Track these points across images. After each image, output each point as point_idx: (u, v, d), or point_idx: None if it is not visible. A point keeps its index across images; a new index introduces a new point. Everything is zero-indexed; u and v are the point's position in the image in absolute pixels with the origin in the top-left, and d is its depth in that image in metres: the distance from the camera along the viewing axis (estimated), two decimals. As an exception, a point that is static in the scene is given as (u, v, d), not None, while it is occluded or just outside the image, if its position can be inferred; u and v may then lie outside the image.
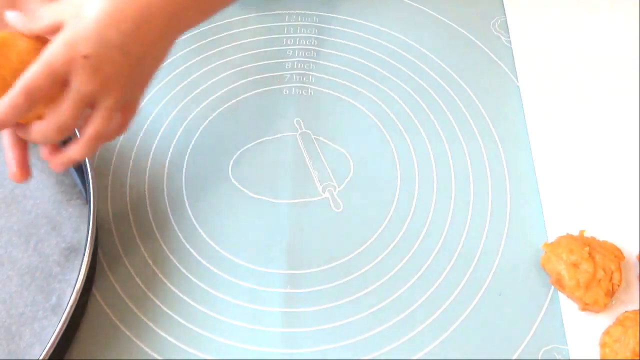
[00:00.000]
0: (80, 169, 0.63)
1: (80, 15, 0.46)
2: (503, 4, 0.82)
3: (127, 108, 0.53)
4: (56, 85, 0.46)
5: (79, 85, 0.47)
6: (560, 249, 0.60)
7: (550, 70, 0.75)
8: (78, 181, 0.65)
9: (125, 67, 0.48)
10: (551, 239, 0.63)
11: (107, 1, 0.46)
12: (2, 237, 0.62)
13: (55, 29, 0.47)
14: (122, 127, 0.54)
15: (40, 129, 0.48)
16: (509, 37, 0.79)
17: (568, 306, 0.60)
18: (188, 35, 0.77)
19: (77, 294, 0.53)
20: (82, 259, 0.55)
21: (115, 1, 0.46)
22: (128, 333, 0.59)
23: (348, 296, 0.61)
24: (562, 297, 0.61)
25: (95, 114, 0.49)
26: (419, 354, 0.58)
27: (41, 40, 0.49)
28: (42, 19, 0.47)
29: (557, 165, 0.68)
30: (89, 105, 0.49)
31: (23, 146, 0.52)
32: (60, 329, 0.52)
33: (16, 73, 0.46)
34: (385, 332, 0.60)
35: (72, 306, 0.53)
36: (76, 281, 0.54)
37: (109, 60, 0.47)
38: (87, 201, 0.62)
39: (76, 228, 0.63)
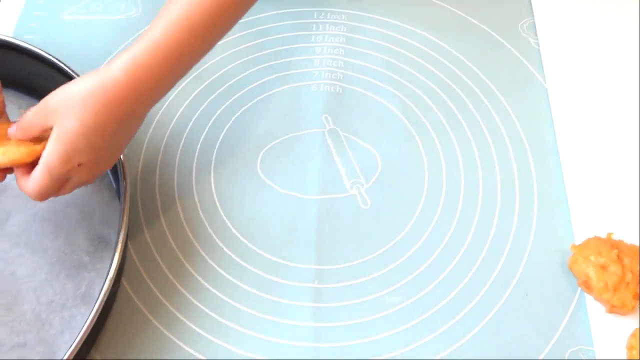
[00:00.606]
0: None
1: (66, 126, 0.52)
2: (531, 6, 0.82)
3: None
4: (62, 182, 0.55)
5: (77, 179, 0.56)
6: (589, 250, 0.60)
7: (578, 72, 0.76)
8: (107, 172, 0.66)
9: (113, 153, 0.57)
10: (578, 241, 0.64)
11: (91, 117, 0.52)
12: (32, 226, 0.63)
13: (45, 132, 0.54)
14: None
15: (33, 192, 0.55)
16: (537, 39, 0.79)
17: (595, 308, 0.60)
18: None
19: (110, 282, 0.54)
20: (115, 250, 0.55)
21: (99, 114, 0.52)
22: (156, 323, 0.59)
23: (375, 293, 0.62)
24: (589, 298, 0.61)
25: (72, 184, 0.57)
26: (445, 353, 0.59)
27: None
28: (34, 128, 0.54)
29: (584, 167, 0.68)
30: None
31: None
32: (94, 317, 0.52)
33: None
34: (412, 329, 0.60)
35: (105, 294, 0.53)
36: (109, 270, 0.55)
37: (99, 159, 0.55)
38: (119, 194, 0.63)
39: (105, 219, 0.64)
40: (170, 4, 0.55)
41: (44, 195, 0.55)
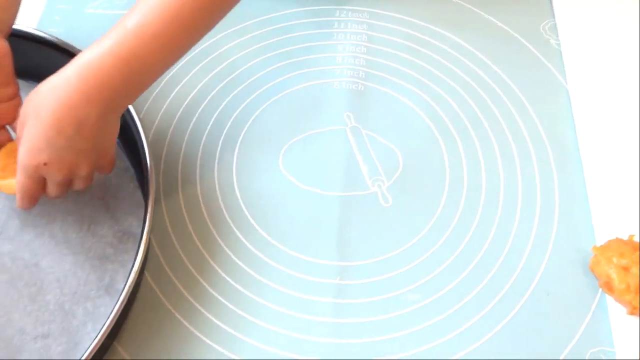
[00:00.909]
0: (134, 155, 0.64)
1: (30, 124, 0.54)
2: (553, 7, 0.82)
3: (100, 167, 0.60)
4: (40, 182, 0.57)
5: (52, 178, 0.57)
6: (611, 252, 0.60)
7: (600, 73, 0.76)
8: (130, 165, 0.66)
9: (81, 154, 0.56)
10: (599, 242, 0.64)
11: (47, 115, 0.53)
12: (57, 217, 0.63)
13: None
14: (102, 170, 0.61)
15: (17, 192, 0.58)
16: (558, 40, 0.79)
17: (616, 309, 0.61)
18: (241, 26, 0.79)
19: (135, 275, 0.54)
20: (140, 241, 0.56)
21: (56, 113, 0.53)
22: (178, 316, 0.60)
23: (396, 290, 0.62)
24: (610, 300, 0.61)
25: (75, 182, 0.59)
26: (465, 352, 0.59)
27: None
28: (20, 127, 0.56)
29: (606, 168, 0.68)
30: (67, 182, 0.58)
31: None
32: (119, 308, 0.52)
33: None
34: (433, 327, 0.60)
35: (130, 286, 0.53)
36: (134, 262, 0.55)
37: (64, 158, 0.55)
38: (142, 187, 0.64)
39: (129, 211, 0.64)
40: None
41: (25, 194, 0.57)
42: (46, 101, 0.53)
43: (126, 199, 0.65)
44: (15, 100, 0.60)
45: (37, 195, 0.58)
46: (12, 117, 0.60)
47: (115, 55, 0.53)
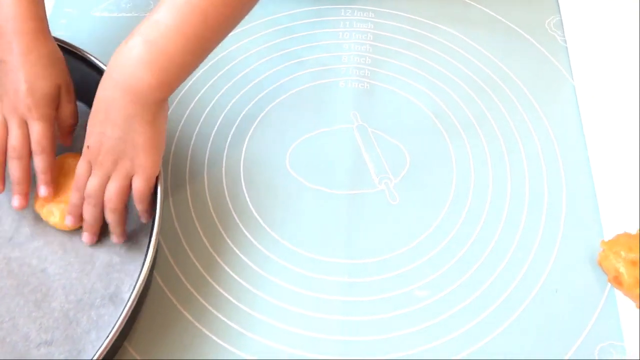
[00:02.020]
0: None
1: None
2: (558, 3, 0.82)
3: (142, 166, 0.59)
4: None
5: (104, 169, 0.58)
6: (619, 246, 0.60)
7: (606, 69, 0.76)
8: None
9: (130, 149, 0.57)
10: (607, 237, 0.64)
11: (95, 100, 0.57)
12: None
13: None
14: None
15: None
16: (564, 36, 0.79)
17: (625, 303, 0.60)
18: (248, 26, 0.79)
19: (143, 281, 0.54)
20: (150, 240, 0.56)
21: (99, 98, 0.57)
22: (189, 316, 0.60)
23: (404, 287, 0.62)
24: (619, 294, 0.61)
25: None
26: (474, 348, 0.59)
27: None
28: None
29: (612, 163, 0.68)
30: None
31: None
32: (126, 315, 0.52)
33: None
34: (441, 324, 0.60)
35: (137, 293, 0.53)
36: (142, 269, 0.55)
37: (111, 147, 0.57)
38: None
39: (137, 219, 0.64)
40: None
41: (95, 183, 0.58)
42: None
43: (134, 206, 0.64)
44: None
45: (101, 184, 0.59)
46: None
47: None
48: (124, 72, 0.55)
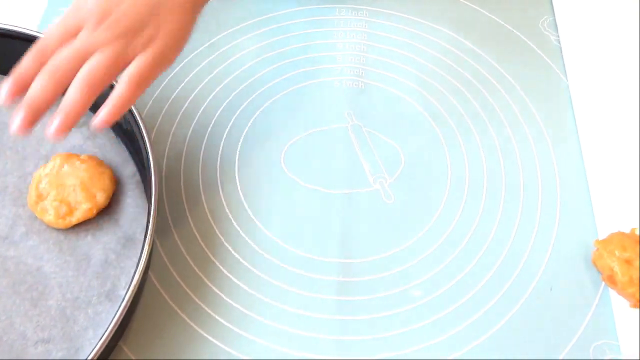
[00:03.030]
0: (139, 158, 0.64)
1: None
2: (552, 3, 0.82)
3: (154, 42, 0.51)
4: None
5: (94, 37, 0.48)
6: (613, 245, 0.60)
7: (600, 68, 0.76)
8: (137, 170, 0.66)
9: (137, 25, 0.49)
10: (601, 236, 0.64)
11: None
12: (62, 223, 0.63)
13: None
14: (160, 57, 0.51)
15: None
16: (558, 36, 0.79)
17: (619, 302, 0.61)
18: (241, 26, 0.79)
19: (139, 277, 0.54)
20: (144, 241, 0.56)
21: None
22: (184, 316, 0.60)
23: (398, 287, 0.62)
24: (613, 293, 0.61)
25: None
26: (470, 347, 0.59)
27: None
28: None
29: (606, 162, 0.69)
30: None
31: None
32: (121, 313, 0.52)
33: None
34: (436, 323, 0.60)
35: (132, 292, 0.53)
36: (137, 266, 0.54)
37: (113, 15, 0.49)
38: (145, 192, 0.64)
39: (133, 217, 0.64)
40: None
41: (84, 39, 0.48)
42: None
43: (130, 205, 0.64)
44: None
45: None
46: None
47: None
48: None
